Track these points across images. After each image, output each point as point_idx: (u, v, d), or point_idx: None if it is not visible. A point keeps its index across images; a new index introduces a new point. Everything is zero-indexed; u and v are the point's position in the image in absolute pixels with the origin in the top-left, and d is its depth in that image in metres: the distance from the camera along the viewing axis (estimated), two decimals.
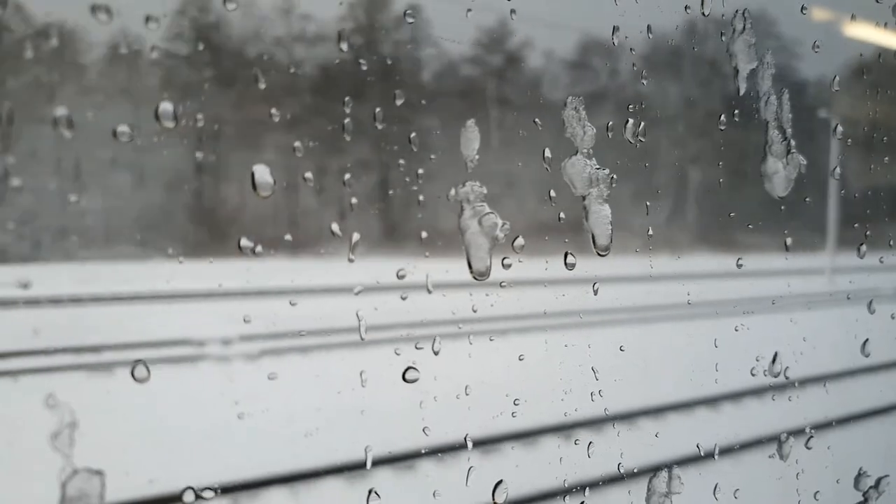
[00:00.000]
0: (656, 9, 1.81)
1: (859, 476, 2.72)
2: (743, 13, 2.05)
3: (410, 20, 1.26)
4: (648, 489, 1.98)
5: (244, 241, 1.16)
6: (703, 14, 1.97)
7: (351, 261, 1.33)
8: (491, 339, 2.18)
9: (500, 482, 1.63)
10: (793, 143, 2.16)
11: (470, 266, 1.53)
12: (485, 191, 1.46)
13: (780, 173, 2.17)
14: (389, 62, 1.28)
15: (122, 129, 1.11)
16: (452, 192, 1.45)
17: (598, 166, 1.58)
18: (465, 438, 1.56)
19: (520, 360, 1.84)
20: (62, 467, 0.87)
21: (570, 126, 1.58)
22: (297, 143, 1.28)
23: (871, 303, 2.85)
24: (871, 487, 2.68)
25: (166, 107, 1.10)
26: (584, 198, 1.63)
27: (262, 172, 1.24)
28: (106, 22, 1.02)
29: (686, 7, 1.94)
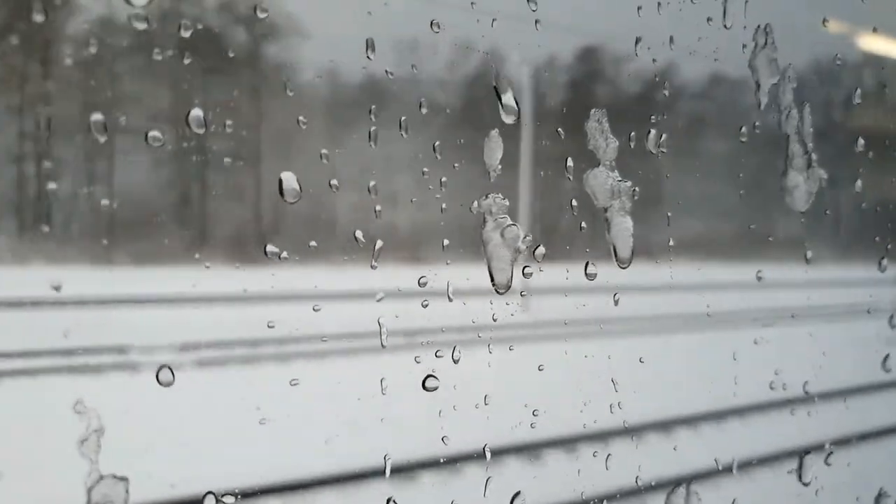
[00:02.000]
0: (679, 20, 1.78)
1: (880, 496, 2.63)
2: (765, 28, 2.01)
3: (436, 30, 1.24)
4: None
5: (270, 247, 1.14)
6: (725, 27, 1.93)
7: (374, 267, 1.30)
8: (511, 349, 2.14)
9: (517, 493, 1.59)
10: (814, 157, 2.11)
11: (492, 278, 1.50)
12: (507, 203, 1.44)
13: (800, 187, 2.12)
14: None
15: None
16: (475, 204, 1.42)
17: (620, 178, 1.55)
18: (483, 448, 1.52)
19: (539, 369, 1.80)
20: (88, 472, 0.85)
21: (593, 138, 1.55)
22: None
23: (892, 317, 2.77)
24: None
25: None
26: (606, 210, 1.59)
27: (290, 179, 1.22)
28: None
29: (708, 19, 1.91)
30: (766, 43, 1.99)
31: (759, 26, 1.96)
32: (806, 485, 2.22)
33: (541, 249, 1.52)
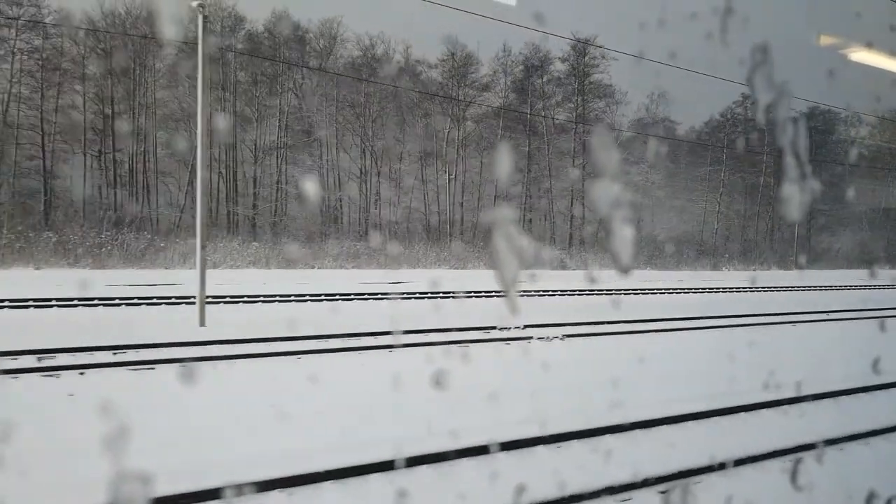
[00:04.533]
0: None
1: (870, 498, 2.66)
2: (762, 45, 2.06)
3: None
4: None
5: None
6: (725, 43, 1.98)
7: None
8: (522, 344, 2.20)
9: (522, 485, 1.65)
10: (808, 169, 2.16)
11: (500, 284, 1.57)
12: (513, 214, 1.50)
13: (794, 198, 2.17)
14: None
15: None
16: (484, 215, 1.48)
17: (622, 188, 1.61)
18: (491, 442, 1.59)
19: (545, 366, 1.86)
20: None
21: (597, 151, 1.61)
22: None
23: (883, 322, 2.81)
24: None
25: None
26: (608, 219, 1.65)
27: (309, 185, 1.28)
28: None
29: (709, 35, 1.96)
30: (763, 59, 2.05)
31: (755, 44, 2.01)
32: None
33: (547, 254, 1.58)
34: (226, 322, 12.84)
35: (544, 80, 45.19)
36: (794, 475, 2.23)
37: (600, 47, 42.11)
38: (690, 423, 6.19)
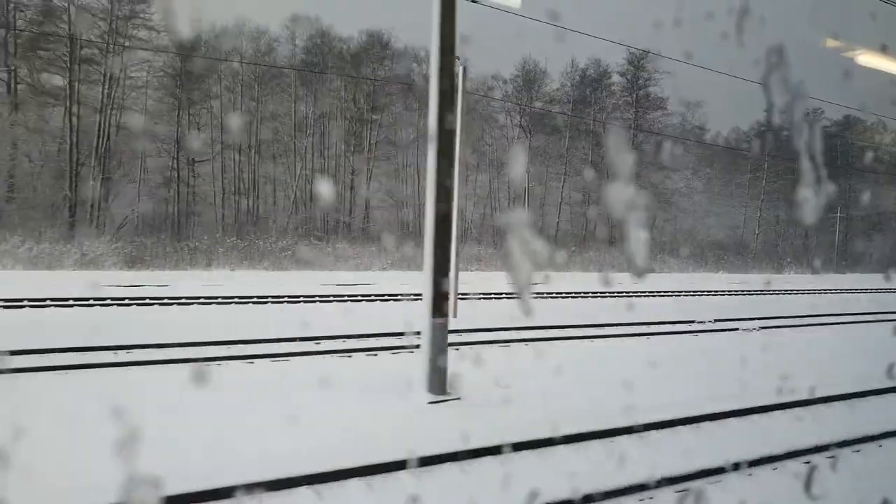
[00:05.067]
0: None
1: None
2: (777, 47, 2.04)
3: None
4: None
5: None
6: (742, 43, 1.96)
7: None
8: (532, 347, 2.19)
9: (536, 489, 1.64)
10: (823, 172, 2.13)
11: (512, 286, 1.56)
12: (526, 216, 1.48)
13: (810, 201, 2.14)
14: None
15: None
16: (498, 218, 1.47)
17: (636, 191, 1.59)
18: (503, 444, 1.58)
19: (558, 369, 1.84)
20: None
21: (611, 151, 1.59)
22: None
23: None
24: None
25: None
26: (623, 222, 1.63)
27: (323, 186, 1.28)
28: None
29: (723, 35, 1.94)
30: (778, 61, 2.02)
31: (771, 46, 1.99)
32: None
33: (559, 256, 1.57)
34: (467, 315, 14.33)
35: (604, 94, 47.24)
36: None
37: (658, 55, 43.58)
38: None
